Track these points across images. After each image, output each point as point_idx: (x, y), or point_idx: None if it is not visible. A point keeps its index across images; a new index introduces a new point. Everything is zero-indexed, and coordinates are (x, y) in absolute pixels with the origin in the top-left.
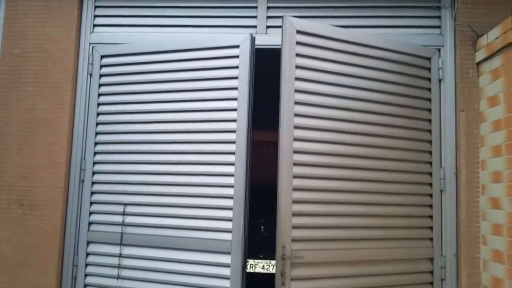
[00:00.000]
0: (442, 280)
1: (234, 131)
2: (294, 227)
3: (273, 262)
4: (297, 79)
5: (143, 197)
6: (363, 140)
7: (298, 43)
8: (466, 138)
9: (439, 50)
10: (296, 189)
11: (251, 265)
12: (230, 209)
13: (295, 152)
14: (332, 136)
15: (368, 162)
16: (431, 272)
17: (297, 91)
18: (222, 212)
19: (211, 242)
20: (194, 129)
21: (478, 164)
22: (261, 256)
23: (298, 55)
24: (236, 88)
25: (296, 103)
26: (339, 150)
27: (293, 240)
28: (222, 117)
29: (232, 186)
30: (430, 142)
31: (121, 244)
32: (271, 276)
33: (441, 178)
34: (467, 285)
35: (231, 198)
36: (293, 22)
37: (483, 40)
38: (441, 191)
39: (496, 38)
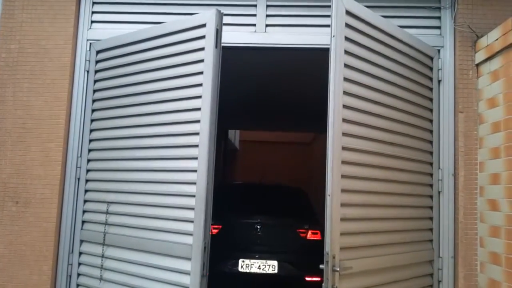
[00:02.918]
0: (439, 281)
1: (198, 121)
2: (342, 234)
3: (269, 262)
4: (346, 66)
5: (122, 195)
6: (387, 137)
7: (347, 25)
8: (464, 139)
9: (439, 51)
10: (344, 190)
11: (247, 265)
12: (192, 209)
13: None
14: (368, 131)
15: (391, 162)
16: (431, 275)
17: (346, 79)
18: (184, 212)
19: (172, 245)
20: (161, 122)
21: (477, 166)
22: (257, 256)
23: (346, 38)
24: (202, 73)
25: (345, 93)
26: (372, 147)
27: (341, 248)
28: (187, 106)
29: (194, 183)
30: (431, 142)
31: (103, 244)
32: (267, 276)
33: (440, 179)
34: (464, 287)
35: (194, 196)
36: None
37: (483, 41)
38: (439, 192)
39: (496, 40)
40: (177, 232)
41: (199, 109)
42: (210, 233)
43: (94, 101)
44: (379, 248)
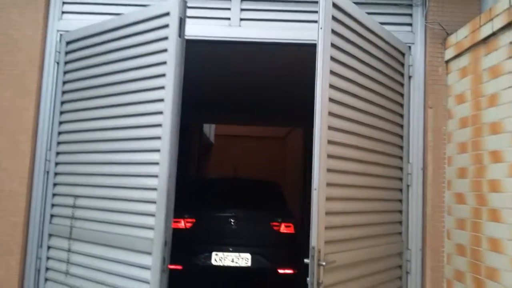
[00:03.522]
0: (407, 273)
1: (161, 113)
2: (327, 228)
3: (242, 255)
4: (332, 59)
5: (89, 188)
6: (366, 131)
7: (333, 18)
8: (433, 134)
9: (410, 47)
10: (329, 184)
11: (221, 258)
12: (154, 202)
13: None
14: (350, 125)
15: (369, 156)
16: (401, 267)
17: (332, 72)
18: (146, 206)
19: (135, 240)
20: (125, 114)
21: (445, 160)
22: (230, 249)
23: (333, 31)
24: (165, 63)
25: (331, 86)
26: (353, 141)
27: (326, 242)
28: (150, 97)
29: (156, 176)
30: (401, 137)
31: (70, 238)
32: (240, 269)
33: (409, 173)
34: (431, 278)
35: (155, 189)
36: None
37: (452, 39)
38: (408, 186)
39: (465, 37)
40: (139, 226)
41: (162, 100)
42: (184, 227)
43: (63, 92)
44: (358, 241)
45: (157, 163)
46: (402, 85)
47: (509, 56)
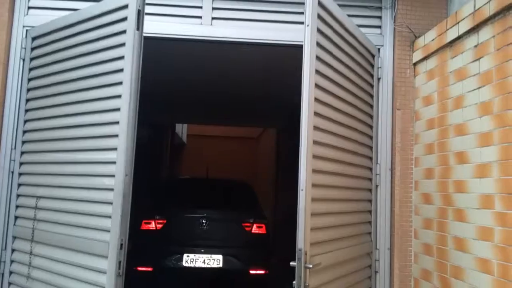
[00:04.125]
0: (376, 272)
1: (118, 109)
2: (312, 229)
3: (214, 256)
4: (317, 58)
5: (50, 189)
6: (344, 131)
7: (319, 16)
8: (401, 135)
9: (379, 49)
10: (314, 185)
11: (192, 260)
12: (110, 203)
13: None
14: (331, 126)
15: (346, 156)
16: (370, 266)
17: (317, 72)
18: (103, 207)
19: (92, 242)
20: (84, 111)
21: (412, 161)
22: (202, 250)
23: (318, 30)
24: (123, 58)
25: (317, 86)
26: (334, 141)
27: (311, 244)
28: (107, 94)
29: (113, 176)
30: (371, 137)
31: (32, 240)
32: (211, 270)
33: (377, 173)
34: (398, 277)
35: (112, 190)
36: None
37: (420, 42)
38: (377, 186)
39: (432, 40)
40: (96, 228)
41: (119, 96)
42: (155, 228)
43: (28, 90)
44: (337, 242)
45: (114, 162)
46: (372, 86)
47: (474, 59)
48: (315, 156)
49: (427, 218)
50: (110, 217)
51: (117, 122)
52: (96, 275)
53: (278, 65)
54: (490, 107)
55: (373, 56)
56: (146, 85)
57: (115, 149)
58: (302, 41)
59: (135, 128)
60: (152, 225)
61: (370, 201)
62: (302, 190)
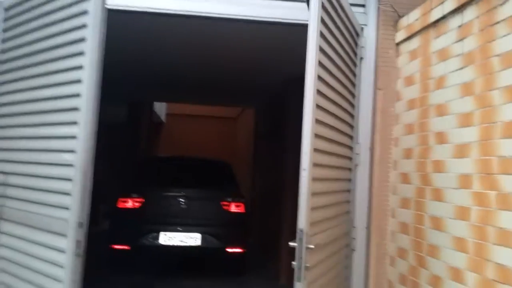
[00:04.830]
0: (353, 250)
1: (79, 81)
2: (312, 209)
3: (192, 234)
4: (321, 36)
5: (17, 165)
6: (335, 110)
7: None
8: (382, 115)
9: (362, 28)
10: (316, 165)
11: (169, 238)
12: (71, 180)
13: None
14: (325, 103)
15: (336, 135)
16: (348, 245)
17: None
18: (63, 184)
19: (52, 220)
20: (46, 84)
21: (392, 141)
22: (179, 228)
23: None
24: (86, 26)
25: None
26: (329, 120)
27: (310, 224)
28: (69, 65)
29: (74, 151)
30: (353, 117)
31: (1, 218)
32: (189, 249)
33: (357, 153)
34: (375, 255)
35: (73, 166)
36: None
37: (403, 21)
38: (356, 165)
39: (416, 20)
40: (55, 205)
41: (81, 67)
42: (132, 206)
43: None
44: (328, 221)
45: (75, 137)
46: (355, 65)
47: (458, 40)
48: (317, 136)
49: (405, 198)
50: (70, 194)
51: (79, 95)
52: (56, 254)
53: (261, 44)
54: (472, 88)
55: (358, 35)
56: (123, 62)
57: (76, 123)
58: (292, 19)
59: (97, 102)
60: (129, 203)
61: (350, 180)
62: (304, 169)
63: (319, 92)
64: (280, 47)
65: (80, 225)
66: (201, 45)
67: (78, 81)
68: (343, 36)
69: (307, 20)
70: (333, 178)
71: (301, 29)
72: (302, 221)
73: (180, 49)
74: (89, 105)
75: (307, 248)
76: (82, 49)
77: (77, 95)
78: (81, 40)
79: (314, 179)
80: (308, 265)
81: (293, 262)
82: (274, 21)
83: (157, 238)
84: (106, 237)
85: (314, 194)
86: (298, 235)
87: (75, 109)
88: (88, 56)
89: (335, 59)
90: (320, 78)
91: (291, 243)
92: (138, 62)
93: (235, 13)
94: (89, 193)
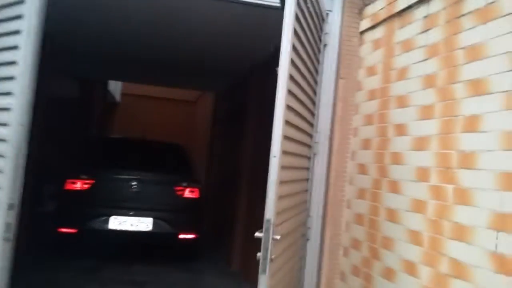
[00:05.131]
0: (307, 240)
1: (16, 47)
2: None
3: (143, 219)
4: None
5: None
6: (302, 96)
7: None
8: (342, 104)
9: (327, 14)
10: (284, 152)
11: (120, 222)
12: (2, 156)
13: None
14: (293, 89)
15: (300, 122)
16: (304, 235)
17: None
18: None
19: None
20: None
21: (351, 131)
22: (131, 213)
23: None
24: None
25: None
26: (296, 105)
27: (277, 214)
28: (7, 29)
29: (7, 125)
30: (314, 104)
31: None
32: (140, 234)
33: (316, 141)
34: (329, 245)
35: (5, 141)
36: None
37: (369, 10)
38: (315, 154)
39: (382, 9)
40: None
41: (18, 32)
42: (81, 188)
43: None
44: (290, 211)
45: (8, 109)
46: (319, 52)
47: (423, 31)
48: (287, 122)
49: (361, 188)
50: (0, 172)
51: (15, 63)
52: None
53: (224, 27)
54: (434, 80)
55: (323, 20)
56: (75, 34)
57: (11, 93)
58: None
59: (35, 71)
60: (78, 185)
61: (308, 169)
62: (274, 157)
63: (291, 77)
64: (244, 31)
65: (10, 206)
66: (161, 23)
67: (14, 48)
68: (313, 20)
69: (277, 3)
70: (297, 166)
71: (267, 12)
72: (270, 211)
73: (137, 25)
74: (26, 75)
75: (274, 239)
76: (21, 12)
77: (13, 63)
78: (20, 2)
79: (282, 167)
80: (273, 256)
81: (258, 254)
82: (240, 1)
83: (106, 222)
84: (52, 219)
85: (281, 182)
86: (265, 225)
87: (10, 78)
88: (26, 20)
89: (306, 44)
90: (293, 63)
91: (257, 234)
92: (91, 35)
93: None
94: (22, 171)
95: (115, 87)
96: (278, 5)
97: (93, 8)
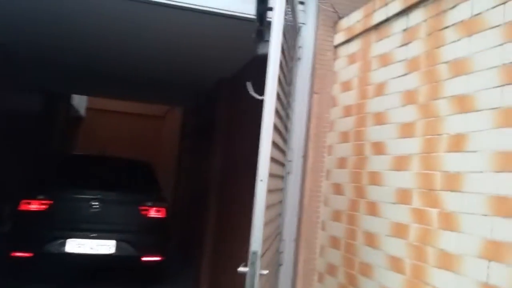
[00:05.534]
0: (279, 265)
1: None
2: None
3: (105, 241)
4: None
5: None
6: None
7: None
8: (316, 121)
9: (300, 27)
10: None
11: (78, 245)
12: None
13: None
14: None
15: (280, 141)
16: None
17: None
18: None
19: None
20: None
21: (325, 149)
22: (92, 235)
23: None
24: None
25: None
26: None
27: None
28: None
29: None
30: (289, 119)
31: None
32: (101, 257)
33: (290, 160)
34: (302, 271)
35: None
36: None
37: (343, 23)
38: (288, 173)
39: (357, 22)
40: None
41: None
42: (37, 209)
43: None
44: (270, 238)
45: None
46: (293, 66)
47: (402, 44)
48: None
49: (337, 210)
50: None
51: None
52: None
53: (194, 40)
54: (415, 96)
55: (297, 33)
56: (36, 49)
57: None
58: (232, 11)
59: None
60: (34, 206)
61: (282, 190)
62: (261, 180)
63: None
64: (214, 44)
65: None
66: (127, 35)
67: None
68: (289, 33)
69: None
70: (276, 188)
71: (238, 24)
72: (257, 241)
73: (102, 37)
74: None
75: (261, 274)
76: None
77: None
78: None
79: (269, 191)
80: None
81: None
82: (210, 11)
83: (63, 245)
84: (6, 243)
85: (267, 207)
86: (250, 259)
87: None
88: None
89: (288, 58)
90: (279, 79)
91: (240, 269)
92: (53, 48)
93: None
94: None
95: (80, 101)
96: (253, 17)
97: (54, 20)
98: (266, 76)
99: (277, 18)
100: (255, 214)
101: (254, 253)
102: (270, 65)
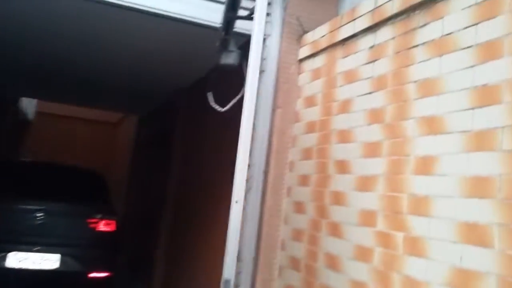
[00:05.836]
0: (236, 287)
1: None
2: None
3: (49, 256)
4: None
5: None
6: None
7: None
8: (278, 136)
9: (265, 39)
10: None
11: (20, 260)
12: None
13: None
14: None
15: None
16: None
17: None
18: None
19: None
20: None
21: (287, 165)
22: (35, 248)
23: None
24: None
25: None
26: None
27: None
28: None
29: None
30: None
31: None
32: (45, 273)
33: (251, 176)
34: None
35: None
36: None
37: (308, 37)
38: (249, 189)
39: (323, 36)
40: None
41: None
42: None
43: None
44: None
45: None
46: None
47: (368, 61)
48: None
49: (297, 229)
50: None
51: None
52: None
53: (153, 47)
54: (381, 115)
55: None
56: None
57: None
58: (197, 18)
59: None
60: None
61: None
62: (236, 202)
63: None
64: (174, 52)
65: None
66: (80, 38)
67: None
68: None
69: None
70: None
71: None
72: (230, 268)
73: (54, 38)
74: None
75: None
76: None
77: None
78: None
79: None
80: None
81: None
82: (173, 17)
83: (3, 259)
84: None
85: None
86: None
87: None
88: None
89: None
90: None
91: None
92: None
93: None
94: None
95: (29, 104)
96: (218, 25)
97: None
98: (244, 96)
99: (257, 26)
100: (229, 239)
101: (227, 281)
102: (249, 77)
